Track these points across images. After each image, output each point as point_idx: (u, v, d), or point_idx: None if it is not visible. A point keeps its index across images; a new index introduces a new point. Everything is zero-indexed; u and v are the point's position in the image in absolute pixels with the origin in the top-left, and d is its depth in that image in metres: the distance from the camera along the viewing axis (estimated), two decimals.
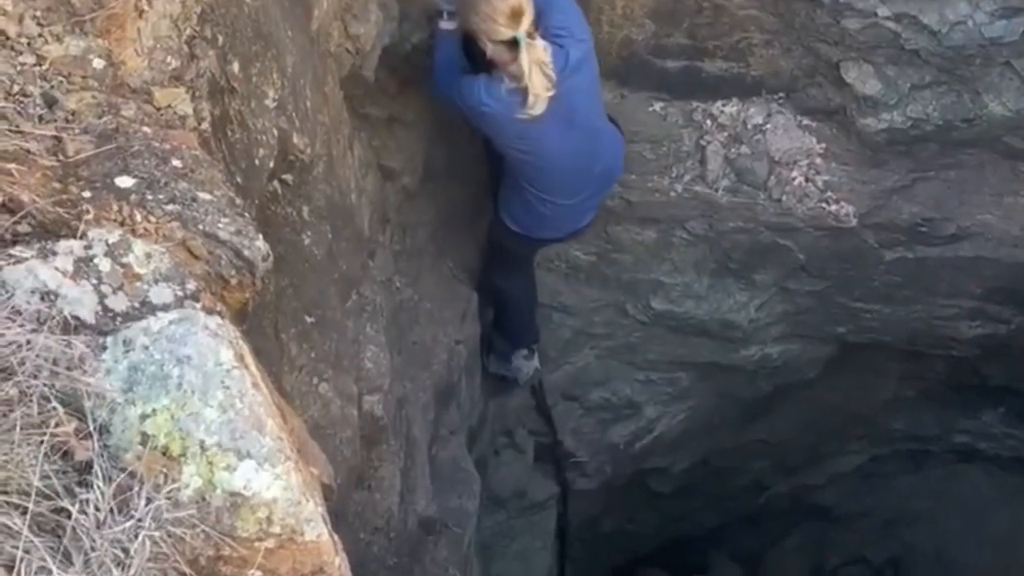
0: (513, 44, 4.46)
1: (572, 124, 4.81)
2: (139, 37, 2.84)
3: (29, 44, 2.66)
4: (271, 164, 3.37)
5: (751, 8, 5.64)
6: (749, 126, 6.20)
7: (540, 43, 4.51)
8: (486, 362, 6.64)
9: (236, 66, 3.15)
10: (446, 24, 4.76)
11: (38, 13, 2.73)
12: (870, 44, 5.73)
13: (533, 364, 6.66)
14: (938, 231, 6.51)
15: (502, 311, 6.45)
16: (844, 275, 6.80)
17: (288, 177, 3.65)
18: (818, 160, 6.24)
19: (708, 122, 6.22)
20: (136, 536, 1.82)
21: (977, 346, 7.48)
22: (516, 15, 4.43)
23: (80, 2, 2.81)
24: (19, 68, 2.59)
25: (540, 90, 4.54)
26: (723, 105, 6.18)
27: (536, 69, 4.49)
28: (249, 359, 2.08)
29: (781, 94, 6.15)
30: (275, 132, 3.38)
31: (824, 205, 6.28)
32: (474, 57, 4.79)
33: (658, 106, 6.20)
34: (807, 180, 6.24)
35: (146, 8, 2.88)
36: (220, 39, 3.06)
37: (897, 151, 6.18)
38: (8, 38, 2.63)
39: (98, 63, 2.73)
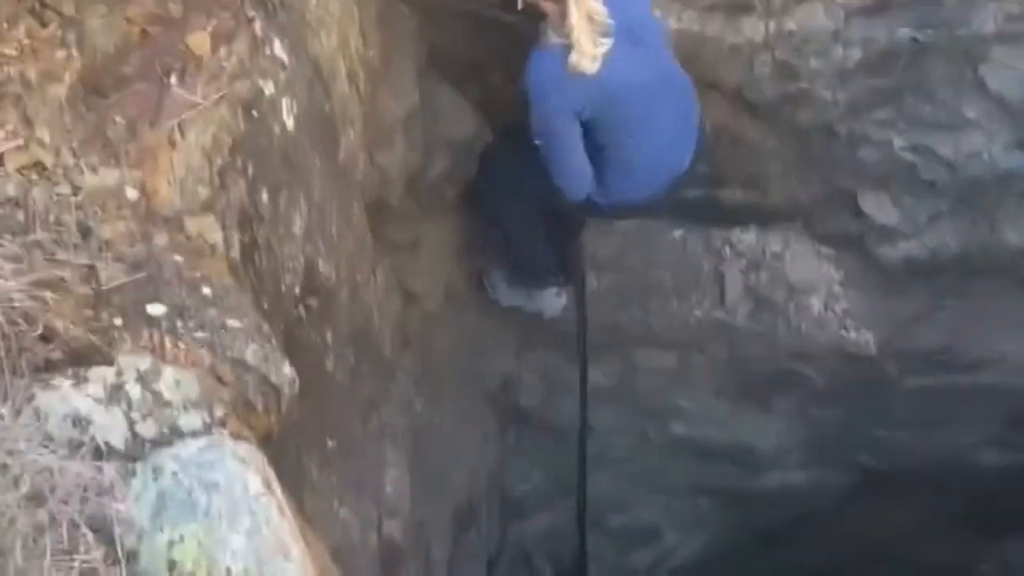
0: None
1: (638, 40, 4.38)
2: (172, 168, 2.93)
3: (65, 174, 2.75)
4: (297, 290, 3.43)
5: (768, 139, 5.74)
6: (768, 253, 6.25)
7: None
8: (493, 295, 5.91)
9: (265, 195, 3.23)
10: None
11: (75, 145, 2.82)
12: (886, 174, 5.81)
13: (563, 300, 5.92)
14: (958, 359, 6.52)
15: (512, 242, 5.63)
16: (864, 402, 6.78)
17: (313, 302, 3.71)
18: (837, 288, 6.27)
19: (727, 249, 6.28)
20: None
21: (1000, 474, 7.42)
22: None
23: (115, 134, 2.91)
24: (55, 198, 2.66)
25: (587, 47, 4.13)
26: (742, 233, 6.24)
27: (585, 24, 4.10)
28: (275, 485, 2.11)
29: (799, 222, 6.21)
30: (302, 259, 3.45)
31: (843, 333, 6.30)
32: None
33: (677, 233, 6.26)
34: (826, 308, 6.27)
35: (179, 140, 2.98)
36: (250, 169, 3.14)
37: (916, 280, 6.21)
38: (45, 169, 2.71)
39: (132, 193, 2.81)
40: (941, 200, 5.92)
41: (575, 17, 4.04)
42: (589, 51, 4.12)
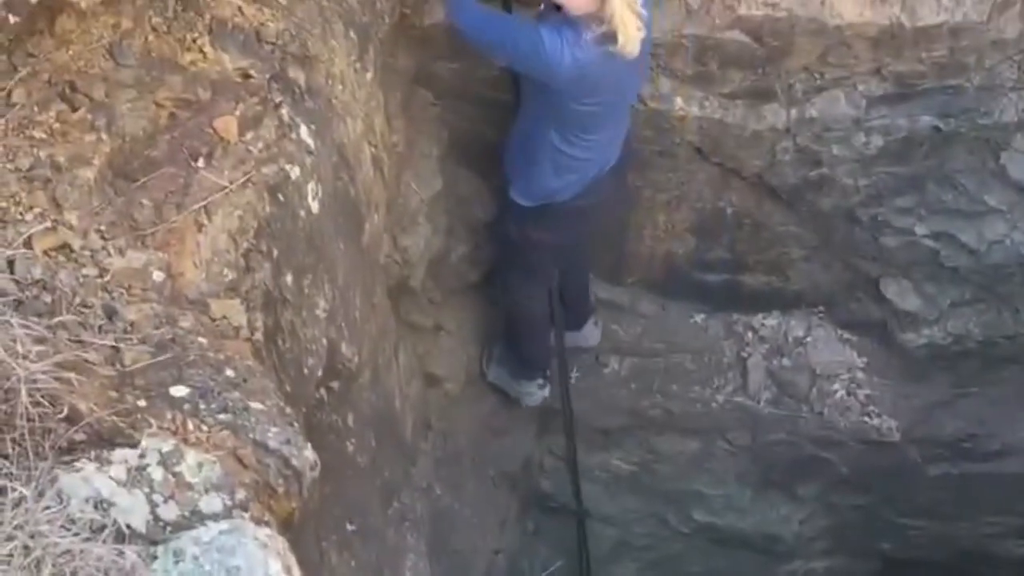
0: None
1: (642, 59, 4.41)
2: (198, 250, 2.95)
3: (92, 256, 2.77)
4: (319, 373, 3.43)
5: (790, 224, 5.76)
6: (790, 339, 6.24)
7: None
8: (485, 368, 5.95)
9: (289, 278, 3.24)
10: None
11: (102, 227, 2.85)
12: (909, 261, 5.81)
13: (544, 393, 5.95)
14: (982, 447, 6.46)
15: (514, 328, 5.76)
16: (888, 490, 6.73)
17: (335, 385, 3.70)
18: (860, 374, 6.25)
19: (749, 334, 6.28)
20: None
21: None
22: None
23: (142, 216, 2.93)
24: (81, 280, 2.68)
25: (632, 30, 4.11)
26: (764, 318, 6.24)
27: (626, 8, 4.07)
28: (295, 570, 2.10)
29: (821, 308, 6.21)
30: (324, 342, 3.45)
31: (866, 419, 6.26)
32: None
33: (699, 318, 6.27)
34: (849, 394, 6.25)
35: (205, 222, 3.00)
36: (275, 252, 3.16)
37: (939, 366, 6.19)
38: (73, 251, 2.74)
39: (157, 275, 2.83)
40: (964, 287, 5.91)
41: (618, 3, 4.06)
42: (634, 34, 4.12)
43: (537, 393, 5.90)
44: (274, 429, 2.55)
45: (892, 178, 5.53)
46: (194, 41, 3.32)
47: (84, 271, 2.70)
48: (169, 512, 2.12)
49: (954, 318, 6.01)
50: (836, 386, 6.27)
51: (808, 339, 6.26)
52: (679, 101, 5.18)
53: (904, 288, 5.95)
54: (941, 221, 5.67)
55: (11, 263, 2.53)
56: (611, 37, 4.12)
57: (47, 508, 2.03)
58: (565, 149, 4.65)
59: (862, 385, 6.27)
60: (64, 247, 2.71)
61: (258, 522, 2.15)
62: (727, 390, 6.32)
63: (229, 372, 2.64)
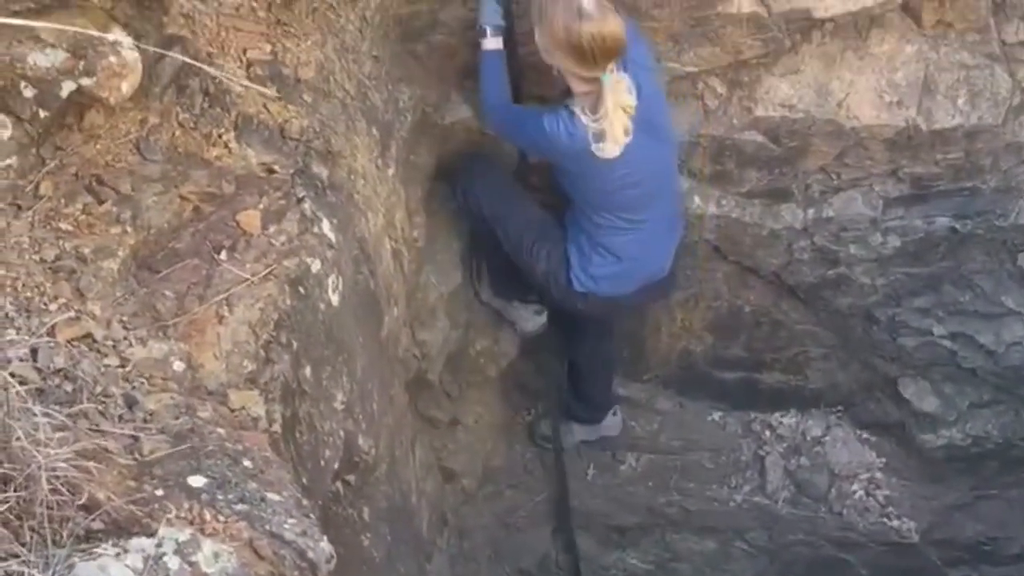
0: (596, 80, 4.15)
1: (651, 131, 4.35)
2: (218, 341, 2.97)
3: (114, 346, 2.80)
4: (336, 465, 3.43)
5: (808, 323, 5.77)
6: (808, 438, 6.22)
7: (624, 81, 4.17)
8: (478, 289, 5.55)
9: (308, 370, 3.26)
10: (492, 43, 4.36)
11: (125, 317, 2.89)
12: (927, 362, 5.81)
13: (542, 319, 5.60)
14: (1002, 550, 6.39)
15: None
16: None
17: (351, 478, 3.70)
18: (878, 474, 6.22)
19: (767, 433, 6.26)
20: None
21: None
22: (610, 54, 4.09)
23: (164, 308, 2.97)
24: (103, 370, 2.71)
25: (619, 133, 4.18)
26: (782, 417, 6.23)
27: (619, 111, 4.16)
28: None
29: (839, 407, 6.20)
30: (342, 434, 3.46)
31: (885, 520, 6.22)
32: (525, 78, 4.50)
33: (717, 416, 6.26)
34: (868, 494, 6.21)
35: (226, 314, 3.03)
36: (295, 344, 3.18)
37: (958, 468, 6.15)
38: (95, 341, 2.77)
39: (178, 365, 2.86)
40: (982, 388, 5.90)
41: (610, 104, 4.13)
42: (620, 138, 4.20)
43: (535, 319, 5.61)
44: (291, 521, 2.55)
45: (909, 278, 5.55)
46: (220, 136, 3.39)
47: (106, 361, 2.73)
48: None
49: (973, 419, 5.99)
50: (855, 487, 6.23)
51: (826, 439, 6.24)
52: (697, 199, 5.23)
53: (922, 389, 5.94)
54: (959, 322, 5.68)
55: (34, 352, 2.56)
56: (599, 135, 4.19)
57: None
58: (600, 234, 4.67)
59: (881, 486, 6.23)
60: (87, 337, 2.74)
61: None
62: (745, 489, 6.29)
63: (247, 463, 2.65)
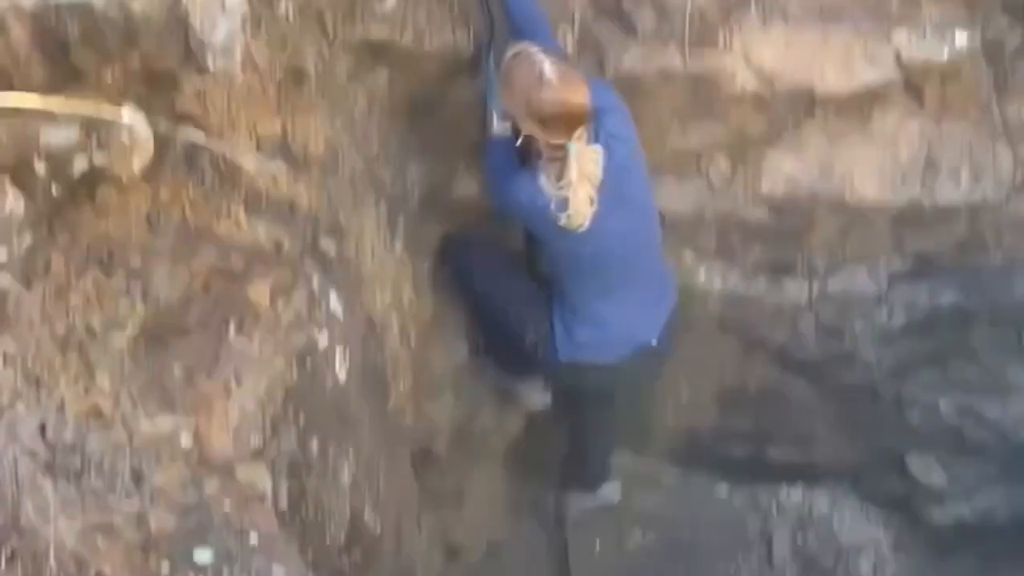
0: (562, 147, 4.03)
1: (623, 202, 4.24)
2: (226, 415, 2.99)
3: (122, 421, 2.82)
4: (342, 540, 3.44)
5: (814, 398, 5.77)
6: (815, 513, 6.20)
7: (592, 150, 4.06)
8: (484, 362, 5.42)
9: (315, 444, 3.27)
10: (500, 128, 4.30)
11: (133, 392, 2.91)
12: (934, 436, 5.79)
13: (547, 398, 5.50)
14: None
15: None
16: None
17: (357, 552, 3.70)
18: (886, 550, 6.18)
19: (774, 508, 6.23)
20: None
21: None
22: (572, 123, 4.01)
23: (172, 382, 2.99)
24: (111, 444, 2.72)
25: (582, 205, 4.08)
26: (788, 492, 6.20)
27: (584, 182, 4.06)
28: None
29: (847, 482, 6.17)
30: (348, 509, 3.46)
31: None
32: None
33: (723, 490, 6.23)
34: (875, 570, 6.16)
35: (234, 388, 3.05)
36: (302, 419, 3.20)
37: (966, 543, 6.11)
38: (104, 415, 2.78)
39: (186, 440, 2.87)
40: (990, 464, 5.88)
41: (575, 174, 4.03)
42: (584, 209, 4.10)
43: (540, 396, 5.53)
44: None
45: (915, 353, 5.55)
46: (230, 212, 3.42)
47: (114, 435, 2.75)
48: None
49: (981, 495, 5.96)
50: (862, 562, 6.19)
51: (834, 514, 6.21)
52: (702, 274, 5.25)
53: (929, 464, 5.92)
54: (965, 397, 5.67)
55: (43, 427, 2.57)
56: (562, 204, 4.10)
57: None
58: (581, 303, 4.58)
59: (888, 561, 6.19)
60: (95, 411, 2.75)
61: None
62: (751, 565, 6.25)
63: (253, 537, 2.66)
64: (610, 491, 5.97)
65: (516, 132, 4.15)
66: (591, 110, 4.02)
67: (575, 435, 5.57)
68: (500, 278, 4.92)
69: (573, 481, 5.85)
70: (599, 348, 4.66)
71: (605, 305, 4.56)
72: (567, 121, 3.99)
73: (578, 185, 4.06)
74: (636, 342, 4.69)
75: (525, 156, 4.35)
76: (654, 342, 4.72)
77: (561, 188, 4.07)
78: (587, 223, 4.14)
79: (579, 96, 3.99)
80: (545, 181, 4.10)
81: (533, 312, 4.75)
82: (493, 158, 4.34)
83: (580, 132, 4.02)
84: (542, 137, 4.05)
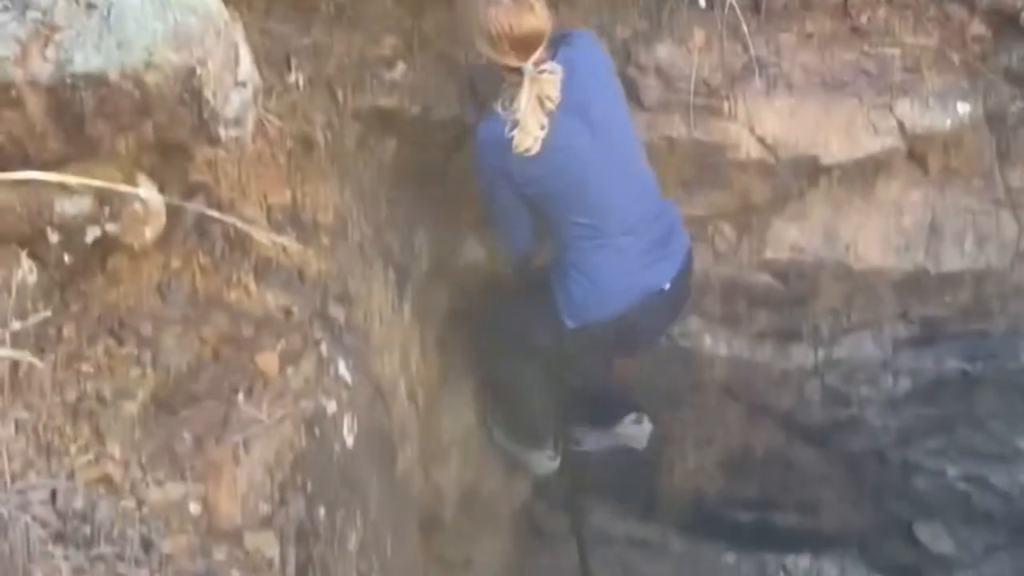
0: (518, 71, 3.92)
1: (591, 122, 4.09)
2: (234, 483, 3.01)
3: (132, 488, 2.83)
4: None
5: (821, 464, 5.76)
6: None
7: (550, 72, 3.93)
8: (492, 430, 5.38)
9: (322, 511, 3.28)
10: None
11: (143, 459, 2.93)
12: (941, 503, 5.78)
13: (554, 464, 5.41)
14: None
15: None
16: None
17: None
18: None
19: (781, 575, 6.20)
20: None
21: None
22: (528, 45, 3.90)
23: (182, 449, 3.01)
24: (121, 511, 2.74)
25: (532, 127, 3.94)
26: (796, 559, 6.17)
27: (535, 105, 3.93)
28: None
29: (854, 549, 6.14)
30: None
31: None
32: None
33: (730, 558, 6.20)
34: None
35: (243, 455, 3.07)
36: (309, 485, 3.21)
37: None
38: (113, 483, 2.80)
39: (194, 508, 2.89)
40: (997, 531, 5.86)
41: (525, 97, 3.93)
42: (533, 131, 3.96)
43: (547, 463, 5.43)
44: None
45: (922, 420, 5.56)
46: (239, 280, 3.46)
47: (124, 503, 2.76)
48: None
49: (989, 562, 5.93)
50: None
51: None
52: (708, 340, 5.27)
53: (937, 531, 5.90)
54: (972, 464, 5.67)
55: (54, 494, 2.59)
56: (513, 127, 3.96)
57: None
58: (569, 255, 4.37)
59: None
60: (105, 479, 2.77)
61: None
62: None
63: None
64: (635, 433, 5.56)
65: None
66: (547, 34, 3.93)
67: (590, 378, 5.30)
68: (512, 307, 4.80)
69: (588, 417, 5.57)
70: (603, 303, 4.43)
71: (604, 254, 4.34)
72: (518, 43, 3.89)
73: (527, 107, 3.93)
74: (644, 288, 4.44)
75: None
76: (666, 285, 4.49)
77: (512, 112, 3.94)
78: (536, 146, 3.97)
79: (532, 18, 3.90)
80: (499, 109, 3.99)
81: (541, 309, 4.54)
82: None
83: (537, 56, 3.92)
84: (497, 60, 3.95)
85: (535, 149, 3.97)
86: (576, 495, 5.67)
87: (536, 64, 3.90)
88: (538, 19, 3.91)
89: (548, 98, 3.94)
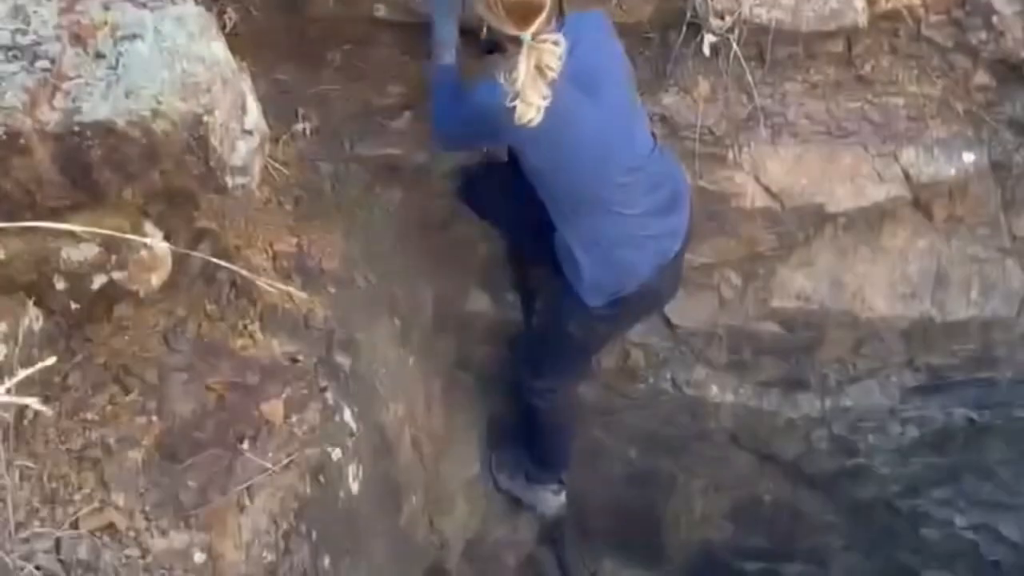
0: (518, 40, 3.79)
1: (594, 92, 4.01)
2: (239, 531, 3.00)
3: (136, 537, 2.83)
4: None
5: (828, 513, 5.74)
6: None
7: (552, 44, 3.79)
8: (495, 474, 5.37)
9: (327, 560, 3.27)
10: (447, 58, 4.06)
11: (147, 508, 2.92)
12: (950, 553, 5.75)
13: (561, 499, 5.40)
14: None
15: (540, 433, 5.12)
16: None
17: None
18: None
19: None
20: None
21: None
22: (526, 14, 3.77)
23: (187, 498, 3.00)
24: (124, 561, 2.73)
25: (533, 98, 3.81)
26: None
27: (534, 76, 3.81)
28: None
29: None
30: None
31: None
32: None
33: None
34: None
35: (247, 504, 3.06)
36: (314, 534, 3.20)
37: None
38: (118, 531, 2.79)
39: (199, 556, 2.88)
40: None
41: (523, 67, 3.80)
42: (535, 102, 3.84)
43: (554, 500, 5.38)
44: None
45: (929, 469, 5.53)
46: (245, 327, 3.46)
47: (127, 551, 2.75)
48: None
49: None
50: None
51: None
52: (714, 388, 5.25)
53: None
54: (980, 513, 5.64)
55: (58, 543, 2.58)
56: (513, 98, 3.82)
57: None
58: (587, 231, 4.25)
59: None
60: (110, 527, 2.77)
61: None
62: None
63: None
64: (550, 502, 5.46)
65: (479, 28, 3.91)
66: (547, 5, 3.79)
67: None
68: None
69: (527, 463, 5.40)
70: (615, 274, 4.34)
71: (615, 227, 4.24)
72: (517, 10, 3.78)
73: (528, 80, 3.82)
74: (658, 257, 4.36)
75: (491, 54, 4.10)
76: (677, 247, 4.41)
77: (512, 82, 3.81)
78: (539, 117, 3.85)
79: None
80: (502, 76, 3.85)
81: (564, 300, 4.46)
82: (441, 82, 4.09)
83: (536, 27, 3.79)
84: (497, 28, 3.84)
85: (537, 120, 3.86)
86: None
87: (535, 35, 3.77)
88: None
89: (548, 67, 3.82)
